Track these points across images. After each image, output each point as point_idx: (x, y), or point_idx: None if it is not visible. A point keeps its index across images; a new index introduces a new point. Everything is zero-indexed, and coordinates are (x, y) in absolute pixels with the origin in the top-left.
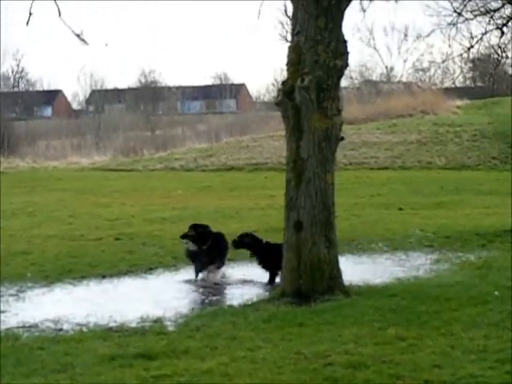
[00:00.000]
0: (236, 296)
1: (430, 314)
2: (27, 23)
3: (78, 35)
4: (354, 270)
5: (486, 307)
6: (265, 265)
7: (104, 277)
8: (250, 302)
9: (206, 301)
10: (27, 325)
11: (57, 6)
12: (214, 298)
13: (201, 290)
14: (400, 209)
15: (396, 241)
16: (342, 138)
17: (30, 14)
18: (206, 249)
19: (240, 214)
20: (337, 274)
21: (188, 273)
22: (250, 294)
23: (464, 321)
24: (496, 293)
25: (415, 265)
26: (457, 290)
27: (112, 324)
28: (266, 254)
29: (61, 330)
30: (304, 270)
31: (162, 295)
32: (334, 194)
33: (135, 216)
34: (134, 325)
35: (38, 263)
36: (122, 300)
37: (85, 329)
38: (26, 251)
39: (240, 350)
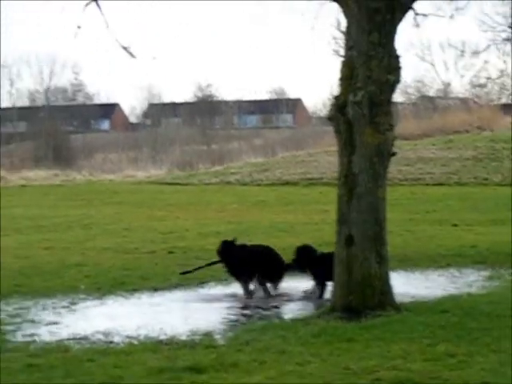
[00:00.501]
0: (286, 310)
1: (481, 331)
2: (75, 36)
3: (125, 48)
4: (406, 285)
5: None
6: (316, 277)
7: (156, 290)
8: (300, 317)
9: (257, 315)
10: (78, 337)
11: (104, 18)
12: (265, 312)
13: (252, 303)
14: (454, 225)
15: (449, 257)
16: (394, 154)
17: (79, 27)
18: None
19: (294, 229)
20: (387, 289)
21: (239, 287)
22: (301, 308)
23: None
24: None
25: (468, 281)
26: (508, 306)
27: (162, 337)
28: (318, 266)
29: (111, 342)
30: (354, 285)
31: (212, 309)
32: (385, 209)
33: (189, 230)
34: (183, 338)
35: (92, 275)
36: (173, 313)
37: (135, 341)
38: (80, 263)
39: (288, 365)
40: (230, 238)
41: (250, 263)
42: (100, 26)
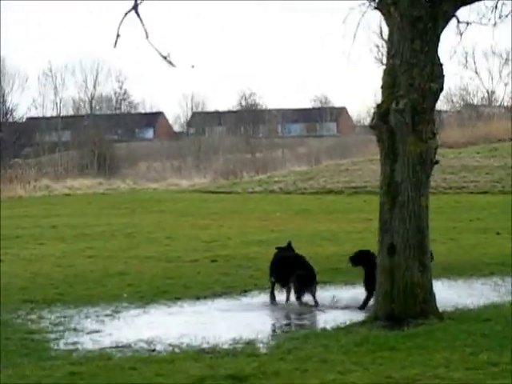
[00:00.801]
0: (329, 319)
1: None
2: (115, 45)
3: (164, 57)
4: (449, 294)
5: None
6: (367, 285)
7: (198, 298)
8: (342, 326)
9: (299, 323)
10: (120, 345)
11: (144, 27)
12: (307, 321)
13: (294, 312)
14: (498, 233)
15: (492, 265)
16: (437, 162)
17: (118, 35)
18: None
19: (337, 237)
20: (430, 298)
21: (283, 295)
22: (343, 317)
23: None
24: None
25: (511, 290)
26: None
27: (204, 345)
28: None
29: (154, 350)
30: (397, 293)
31: (255, 317)
32: (428, 217)
33: (232, 238)
34: (226, 346)
35: (134, 284)
36: (216, 321)
37: (177, 350)
38: (122, 272)
39: (330, 373)
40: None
41: None
42: (142, 35)
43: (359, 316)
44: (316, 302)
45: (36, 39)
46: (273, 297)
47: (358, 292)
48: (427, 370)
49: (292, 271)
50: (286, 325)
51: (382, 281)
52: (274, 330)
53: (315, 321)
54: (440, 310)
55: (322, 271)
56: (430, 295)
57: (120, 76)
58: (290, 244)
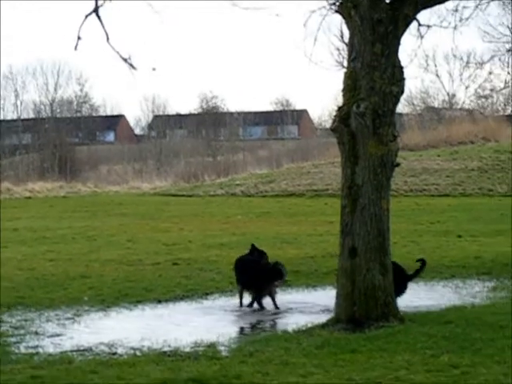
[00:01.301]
0: (290, 322)
1: (484, 342)
2: (76, 48)
3: (125, 60)
4: (410, 296)
5: None
6: None
7: (160, 301)
8: (304, 328)
9: (261, 326)
10: (81, 348)
11: (104, 30)
12: (269, 324)
13: (256, 315)
14: (459, 236)
15: (453, 268)
16: (398, 165)
17: (79, 38)
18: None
19: (298, 240)
20: (391, 300)
21: (244, 298)
22: (305, 319)
23: None
24: None
25: (472, 292)
26: None
27: (166, 348)
28: None
29: (115, 353)
30: (358, 296)
31: (216, 320)
32: (389, 220)
33: (193, 241)
34: (187, 349)
35: (96, 287)
36: (177, 325)
37: (139, 353)
38: (83, 275)
39: (292, 376)
40: None
41: None
42: (102, 37)
43: (320, 318)
44: (275, 305)
45: None
46: (241, 302)
47: (320, 294)
48: (388, 373)
49: (251, 274)
50: (248, 328)
51: (343, 283)
52: (235, 333)
53: (276, 323)
54: (401, 312)
55: None
56: (391, 298)
57: (81, 79)
58: (253, 246)
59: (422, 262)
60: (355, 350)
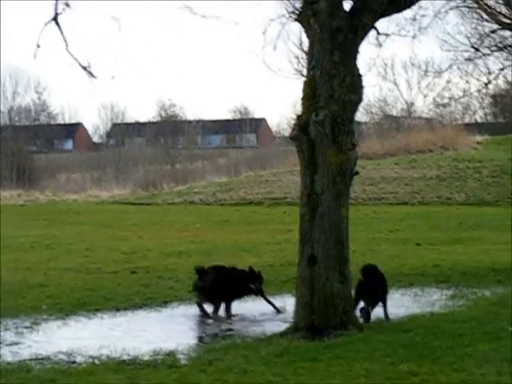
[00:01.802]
0: (250, 330)
1: (444, 350)
2: (35, 56)
3: (84, 68)
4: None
5: (500, 343)
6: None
7: (118, 310)
8: (263, 337)
9: (220, 335)
10: (40, 357)
11: (64, 38)
12: (228, 332)
13: (215, 324)
14: (417, 244)
15: (412, 276)
16: (357, 173)
17: (38, 46)
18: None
19: (257, 248)
20: (350, 308)
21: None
22: (264, 328)
23: (477, 356)
24: (510, 329)
25: (430, 300)
26: (471, 325)
27: (125, 357)
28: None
29: (73, 362)
30: (317, 304)
31: (175, 329)
32: (348, 228)
33: (152, 249)
34: (146, 358)
35: (54, 296)
36: (136, 333)
37: (97, 361)
38: (42, 284)
39: None
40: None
41: None
42: (61, 45)
43: (280, 327)
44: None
45: None
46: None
47: (279, 303)
48: (347, 381)
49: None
50: (207, 336)
51: (302, 292)
52: (194, 342)
53: (236, 332)
54: (360, 320)
55: None
56: (350, 306)
57: (39, 87)
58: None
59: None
60: (314, 358)
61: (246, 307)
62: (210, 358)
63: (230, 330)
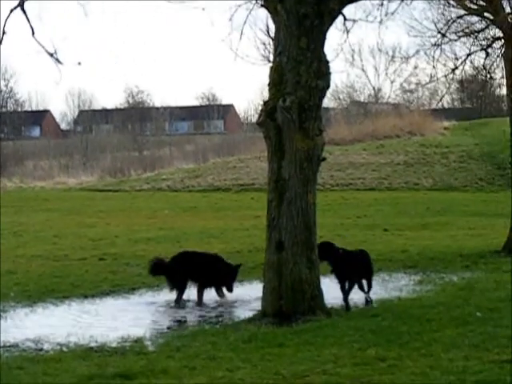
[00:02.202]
0: (218, 316)
1: (411, 335)
2: (0, 42)
3: (51, 54)
4: (337, 290)
5: (467, 328)
6: (337, 274)
7: (86, 297)
8: (230, 323)
9: (188, 321)
10: (8, 344)
11: (30, 25)
12: (196, 319)
13: (183, 310)
14: (385, 230)
15: (380, 261)
16: (324, 159)
17: (4, 32)
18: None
19: (225, 235)
20: (318, 294)
21: (171, 293)
22: (232, 314)
23: (444, 342)
24: (478, 314)
25: (398, 286)
26: (438, 310)
27: (92, 344)
28: (340, 264)
29: (41, 349)
30: (285, 290)
31: (143, 315)
32: (315, 214)
33: (120, 236)
34: (114, 345)
35: (22, 283)
36: (104, 320)
37: (65, 349)
38: (10, 271)
39: (218, 371)
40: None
41: None
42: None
43: (247, 313)
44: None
45: None
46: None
47: (246, 289)
48: (315, 366)
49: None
50: (174, 323)
51: (270, 277)
52: (162, 328)
53: (204, 318)
54: (328, 306)
55: None
56: (318, 291)
57: (6, 74)
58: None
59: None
60: (282, 344)
61: (210, 293)
62: (178, 344)
63: (197, 316)
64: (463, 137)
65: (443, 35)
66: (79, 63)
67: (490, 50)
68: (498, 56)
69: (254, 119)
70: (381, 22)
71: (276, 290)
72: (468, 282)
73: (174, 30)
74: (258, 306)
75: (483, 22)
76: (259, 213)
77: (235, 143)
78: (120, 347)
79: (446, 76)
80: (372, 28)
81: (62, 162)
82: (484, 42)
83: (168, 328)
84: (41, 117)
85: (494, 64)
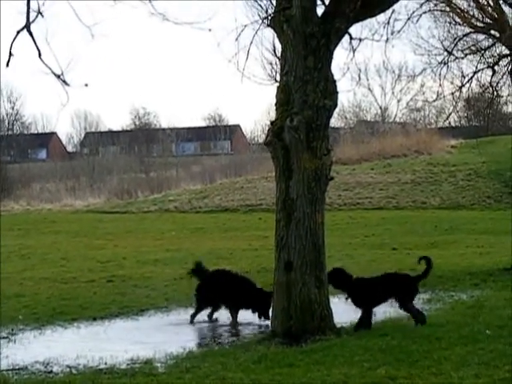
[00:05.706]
0: (227, 337)
1: (421, 354)
2: (7, 64)
3: (58, 76)
4: (346, 309)
5: (477, 346)
6: (355, 302)
7: (95, 319)
8: (240, 343)
9: (198, 342)
10: (17, 367)
11: (36, 47)
12: (206, 340)
13: (192, 331)
14: (394, 249)
15: None
16: (332, 178)
17: (11, 54)
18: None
19: (233, 255)
20: (327, 314)
21: (179, 314)
22: (242, 334)
23: (454, 360)
24: (487, 332)
25: None
26: (448, 329)
27: (102, 366)
28: (356, 291)
29: (50, 372)
30: (294, 310)
31: (152, 337)
32: (324, 233)
33: (127, 258)
34: (123, 366)
35: (30, 306)
36: (113, 342)
37: (74, 371)
38: (18, 294)
39: None
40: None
41: None
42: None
43: (257, 333)
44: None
45: None
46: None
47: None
48: None
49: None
50: (184, 343)
51: (279, 297)
52: (171, 349)
53: (213, 339)
54: (337, 325)
55: None
56: (327, 311)
57: (11, 96)
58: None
59: (427, 260)
60: (292, 364)
61: (219, 314)
62: (188, 365)
63: (207, 337)
64: (470, 155)
65: (450, 53)
66: (86, 85)
67: (496, 68)
68: (504, 73)
69: (261, 139)
70: (387, 40)
71: (285, 310)
72: (477, 300)
73: (179, 51)
74: (267, 326)
75: (490, 40)
76: (267, 233)
77: (242, 164)
78: (129, 369)
79: (452, 94)
80: (378, 46)
81: (68, 185)
82: (491, 60)
83: (177, 349)
84: (47, 139)
85: (501, 81)
